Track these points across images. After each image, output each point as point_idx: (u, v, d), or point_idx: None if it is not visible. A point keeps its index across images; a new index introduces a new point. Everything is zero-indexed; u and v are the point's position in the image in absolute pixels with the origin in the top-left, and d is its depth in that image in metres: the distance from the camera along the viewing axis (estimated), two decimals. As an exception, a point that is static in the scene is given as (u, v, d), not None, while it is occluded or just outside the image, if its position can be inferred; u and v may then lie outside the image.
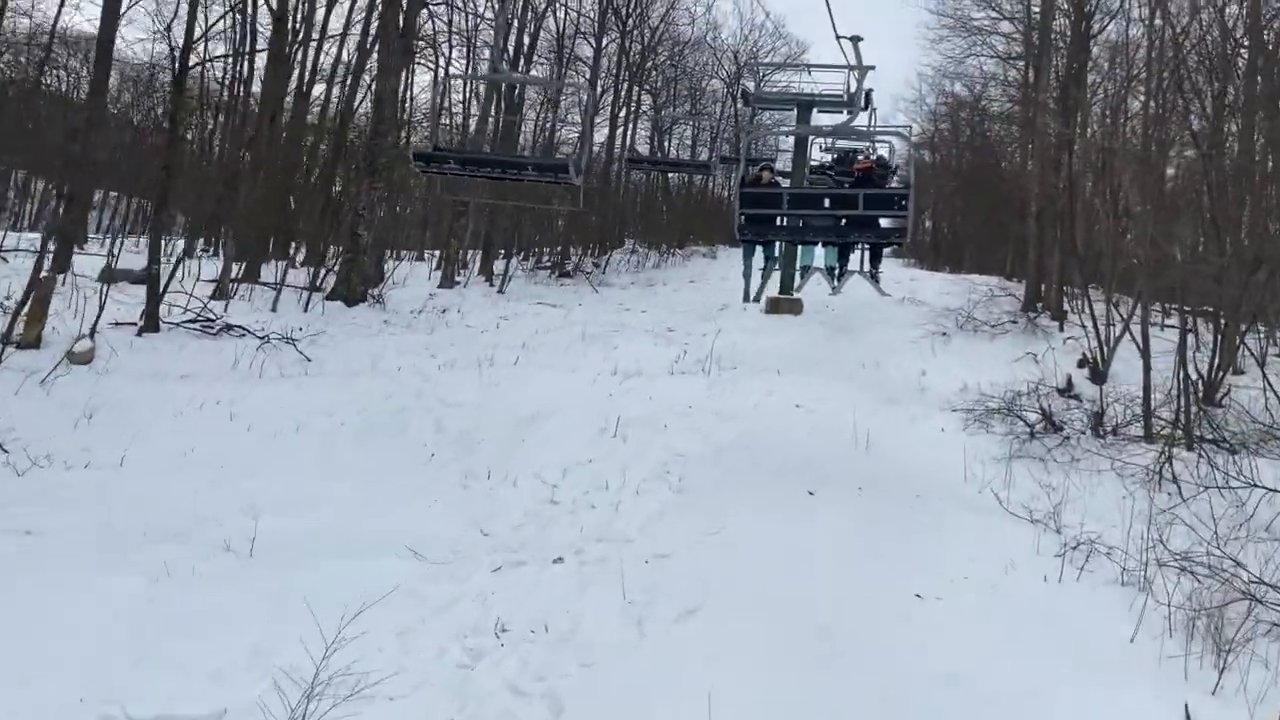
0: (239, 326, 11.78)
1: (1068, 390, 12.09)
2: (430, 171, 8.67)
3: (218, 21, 15.89)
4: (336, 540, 5.79)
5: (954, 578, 5.78)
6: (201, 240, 23.69)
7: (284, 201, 19.89)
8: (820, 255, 11.60)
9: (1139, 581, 5.80)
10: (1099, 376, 12.58)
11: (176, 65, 13.51)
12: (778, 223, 8.59)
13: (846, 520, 6.64)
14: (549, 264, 28.22)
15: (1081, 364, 13.58)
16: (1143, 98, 18.34)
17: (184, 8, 13.67)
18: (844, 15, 8.28)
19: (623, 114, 33.50)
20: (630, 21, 32.61)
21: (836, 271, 10.50)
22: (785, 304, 18.49)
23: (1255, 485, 6.95)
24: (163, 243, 11.50)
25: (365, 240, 15.62)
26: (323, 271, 16.94)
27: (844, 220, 8.26)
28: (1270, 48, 16.13)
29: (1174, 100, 14.07)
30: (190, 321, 11.76)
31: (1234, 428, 9.25)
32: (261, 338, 11.40)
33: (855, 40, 11.94)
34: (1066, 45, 19.24)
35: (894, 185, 10.81)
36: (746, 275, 10.83)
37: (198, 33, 15.29)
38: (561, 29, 30.53)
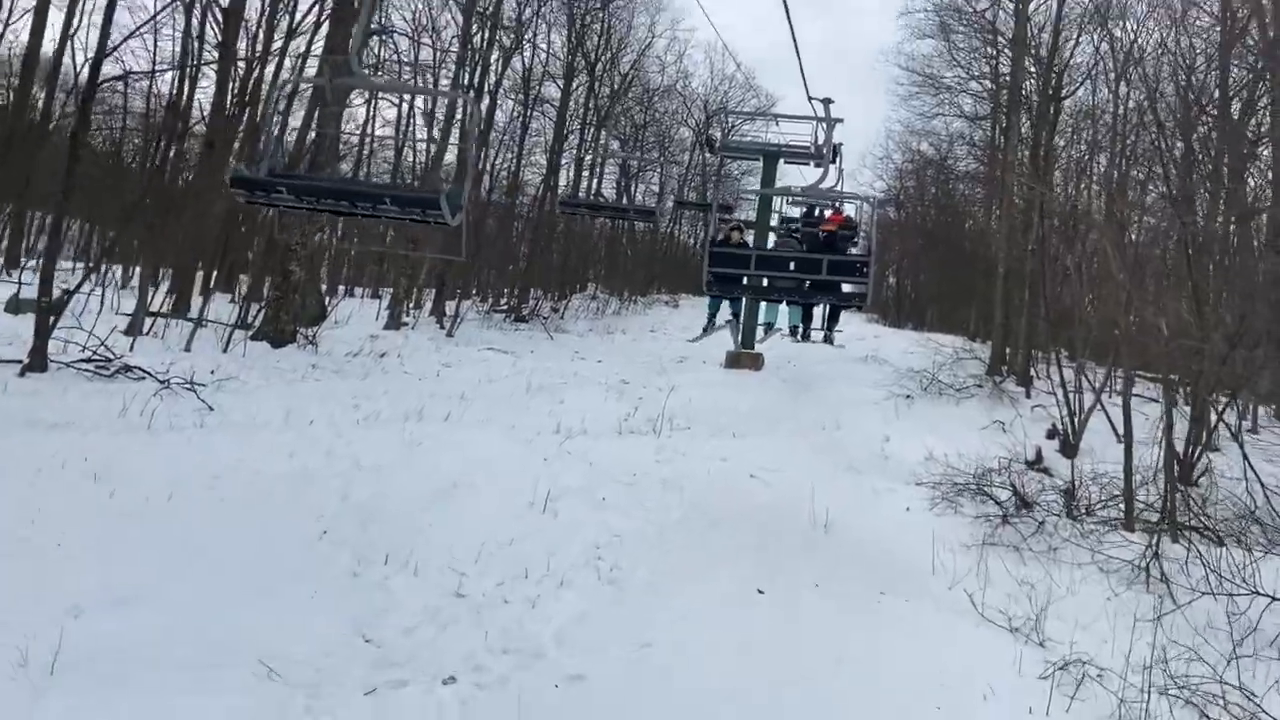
0: (138, 368, 10.56)
1: (1037, 463, 11.39)
2: (256, 202, 6.79)
3: (132, 36, 14.80)
4: (174, 648, 4.66)
5: (924, 710, 4.86)
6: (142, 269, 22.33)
7: (220, 232, 18.74)
8: (785, 314, 11.98)
9: (1140, 717, 4.93)
10: (1070, 450, 11.92)
11: (85, 75, 12.44)
12: (744, 282, 8.73)
13: (801, 627, 5.70)
14: (505, 306, 27.30)
15: (1051, 435, 12.95)
16: (1107, 160, 18.22)
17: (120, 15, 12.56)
18: (815, 66, 7.94)
19: (589, 159, 33.05)
20: (600, 66, 32.34)
21: (801, 331, 11.09)
22: (746, 359, 17.91)
23: (1258, 594, 6.16)
24: (55, 272, 10.28)
25: (298, 276, 14.52)
26: (255, 308, 15.80)
27: (808, 282, 8.22)
28: (1236, 117, 16.06)
29: (1149, 165, 13.78)
30: (84, 361, 10.52)
31: (1218, 514, 8.57)
32: (162, 381, 10.20)
33: (826, 101, 11.73)
34: (1034, 107, 19.11)
35: (857, 249, 10.61)
36: (710, 317, 12.54)
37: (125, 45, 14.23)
38: (529, 68, 30.12)
